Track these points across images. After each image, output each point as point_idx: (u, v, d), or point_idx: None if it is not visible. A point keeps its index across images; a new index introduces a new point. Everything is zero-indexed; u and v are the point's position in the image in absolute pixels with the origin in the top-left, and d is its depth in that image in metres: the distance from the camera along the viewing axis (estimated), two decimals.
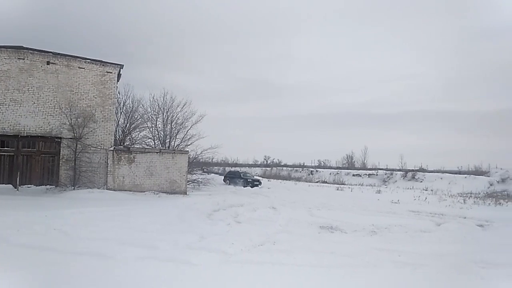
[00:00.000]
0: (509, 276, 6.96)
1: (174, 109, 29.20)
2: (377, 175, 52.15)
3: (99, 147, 19.93)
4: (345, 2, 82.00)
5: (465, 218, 15.33)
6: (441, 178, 44.45)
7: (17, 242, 7.64)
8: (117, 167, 19.69)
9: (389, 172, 52.79)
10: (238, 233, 10.05)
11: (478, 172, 48.91)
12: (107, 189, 18.95)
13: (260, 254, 7.75)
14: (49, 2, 59.21)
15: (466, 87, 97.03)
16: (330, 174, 56.38)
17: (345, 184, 43.90)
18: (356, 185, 42.77)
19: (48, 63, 19.58)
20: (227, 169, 55.75)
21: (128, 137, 28.42)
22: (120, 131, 27.45)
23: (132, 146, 24.33)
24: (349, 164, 71.61)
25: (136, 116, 28.73)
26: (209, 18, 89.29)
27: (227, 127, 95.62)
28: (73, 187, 18.55)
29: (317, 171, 60.82)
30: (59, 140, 19.51)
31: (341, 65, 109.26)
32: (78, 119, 19.25)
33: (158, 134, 29.13)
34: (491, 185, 37.94)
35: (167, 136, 28.95)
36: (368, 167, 66.32)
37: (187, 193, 20.66)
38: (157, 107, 29.36)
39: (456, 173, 47.04)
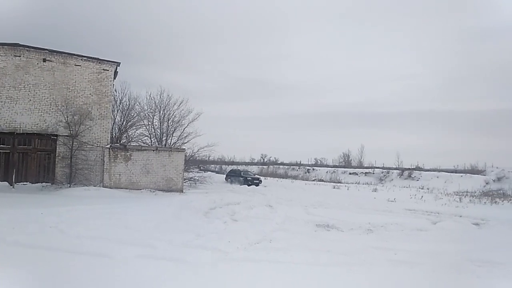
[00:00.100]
0: (505, 274, 6.98)
1: (170, 107, 29.23)
2: (373, 173, 52.30)
3: (96, 144, 19.86)
4: (344, 2, 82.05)
5: (461, 216, 15.41)
6: (437, 177, 44.63)
7: (12, 240, 7.59)
8: (113, 164, 19.63)
9: (385, 170, 52.96)
10: (235, 231, 10.04)
11: (474, 171, 49.14)
12: (103, 187, 18.90)
13: (257, 252, 7.75)
14: (47, 0, 58.94)
15: (463, 87, 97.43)
16: (327, 172, 56.50)
17: (342, 183, 44.01)
18: (353, 183, 42.91)
19: (44, 60, 19.47)
20: (224, 167, 55.71)
21: (125, 135, 28.38)
22: (116, 128, 27.41)
23: (129, 144, 24.28)
24: (346, 163, 71.71)
25: (132, 114, 28.73)
26: (207, 17, 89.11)
27: (224, 125, 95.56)
28: (69, 185, 18.49)
29: (313, 169, 60.95)
30: (55, 137, 19.43)
31: (339, 64, 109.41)
32: (75, 117, 19.17)
33: (154, 132, 29.12)
34: (487, 183, 38.14)
35: (164, 134, 28.94)
36: (365, 165, 66.46)
37: (184, 191, 20.64)
38: (153, 105, 29.37)
39: (452, 172, 47.26)
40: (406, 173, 49.04)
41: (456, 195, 27.67)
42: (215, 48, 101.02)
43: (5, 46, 18.97)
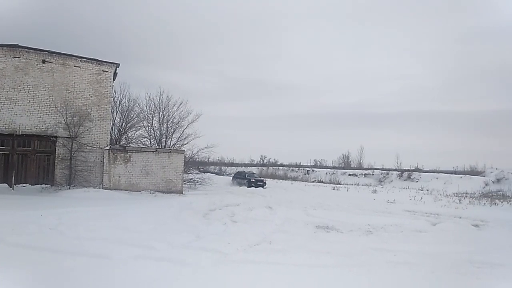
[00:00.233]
0: (505, 276, 6.98)
1: (170, 108, 29.16)
2: (373, 174, 52.32)
3: (95, 146, 19.86)
4: (343, 2, 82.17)
5: (460, 218, 15.38)
6: (437, 178, 44.65)
7: (12, 241, 7.59)
8: (113, 166, 19.62)
9: (385, 172, 53.00)
10: (234, 232, 10.04)
11: (473, 172, 49.22)
12: (103, 188, 18.89)
13: (256, 254, 7.74)
14: (46, 1, 58.96)
15: (463, 87, 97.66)
16: (326, 173, 56.49)
17: (341, 184, 43.99)
18: (352, 184, 42.87)
19: (43, 61, 19.48)
20: (224, 168, 55.70)
21: (124, 136, 28.34)
22: (116, 130, 27.36)
23: (128, 145, 24.24)
24: (345, 164, 71.83)
25: (132, 115, 28.67)
26: (207, 18, 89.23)
27: (223, 126, 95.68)
28: (68, 186, 18.48)
29: (313, 170, 60.98)
30: (55, 139, 19.42)
31: (338, 64, 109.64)
32: (74, 118, 19.17)
33: (154, 133, 29.07)
34: (486, 185, 38.13)
35: (163, 135, 28.89)
36: (364, 167, 66.61)
37: (183, 192, 20.63)
38: (153, 106, 29.29)
39: (451, 173, 47.31)
40: (405, 174, 49.07)
41: (456, 196, 27.65)
42: (215, 48, 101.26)
43: (4, 47, 18.97)
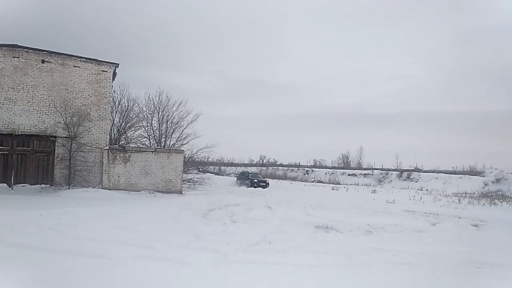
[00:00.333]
0: (504, 276, 6.99)
1: (169, 108, 29.15)
2: (372, 175, 52.31)
3: (94, 146, 19.86)
4: (343, 2, 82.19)
5: (460, 218, 15.40)
6: (436, 178, 44.65)
7: (11, 241, 7.59)
8: (112, 166, 19.61)
9: (384, 172, 52.99)
10: (234, 232, 10.05)
11: (473, 172, 49.22)
12: (102, 188, 18.87)
13: (256, 254, 7.74)
14: (46, 1, 58.92)
15: (463, 88, 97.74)
16: (326, 173, 56.47)
17: (341, 184, 43.99)
18: (352, 184, 42.87)
19: (43, 61, 19.47)
20: (223, 168, 55.67)
21: (124, 136, 28.32)
22: (115, 130, 27.33)
23: (127, 145, 24.22)
24: (345, 164, 71.84)
25: (131, 115, 28.64)
26: (207, 18, 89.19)
27: (223, 126, 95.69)
28: (68, 186, 18.47)
29: (312, 170, 60.95)
30: (54, 139, 19.41)
31: (338, 65, 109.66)
32: (73, 118, 19.16)
33: (153, 133, 29.06)
34: (485, 185, 38.13)
35: (163, 135, 28.86)
36: (364, 167, 66.63)
37: (183, 192, 20.62)
38: (152, 106, 29.28)
39: (451, 173, 47.30)
40: (405, 174, 49.06)
41: (455, 196, 27.66)
42: (215, 48, 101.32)
43: (4, 47, 18.96)
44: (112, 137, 25.41)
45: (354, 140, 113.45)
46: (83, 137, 19.48)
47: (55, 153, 19.40)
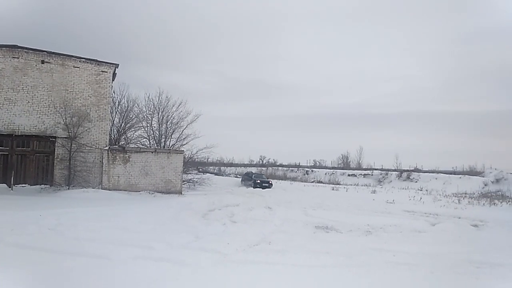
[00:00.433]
0: (504, 276, 6.99)
1: (169, 109, 29.14)
2: (372, 175, 52.30)
3: (94, 146, 19.85)
4: (343, 2, 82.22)
5: (459, 218, 15.40)
6: (436, 178, 44.65)
7: (11, 241, 7.59)
8: (112, 166, 19.60)
9: (384, 172, 52.98)
10: (234, 233, 10.05)
11: (472, 172, 49.22)
12: (102, 189, 18.85)
13: (256, 254, 7.75)
14: (46, 1, 58.92)
15: (463, 88, 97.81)
16: (326, 174, 56.47)
17: (341, 184, 43.98)
18: (351, 185, 42.87)
19: (42, 62, 19.47)
20: (223, 169, 55.66)
21: (123, 137, 28.32)
22: (115, 130, 27.32)
23: (127, 145, 24.22)
24: (345, 164, 71.81)
25: (131, 116, 28.64)
26: (207, 18, 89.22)
27: (223, 126, 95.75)
28: (67, 187, 18.46)
29: (312, 171, 60.96)
30: (54, 139, 19.40)
31: (338, 65, 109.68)
32: (73, 119, 19.16)
33: (153, 134, 29.05)
34: (485, 185, 38.13)
35: (162, 136, 28.85)
36: (363, 167, 66.61)
37: (183, 192, 20.61)
38: (152, 106, 29.27)
39: (450, 174, 47.29)
40: (404, 174, 49.05)
41: (455, 196, 27.68)
42: (215, 48, 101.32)
43: (3, 48, 18.96)
44: (112, 138, 25.41)
45: (354, 140, 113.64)
46: (83, 137, 19.48)
47: (55, 154, 19.39)
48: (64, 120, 19.01)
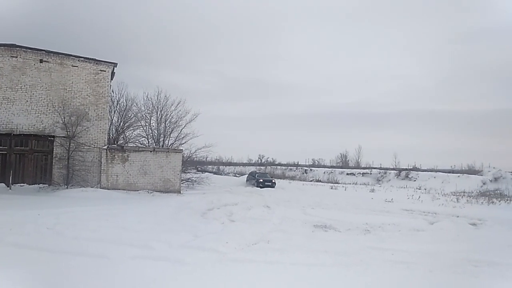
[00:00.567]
0: (503, 274, 7.00)
1: (168, 108, 29.17)
2: (371, 174, 52.33)
3: (93, 145, 19.83)
4: (342, 2, 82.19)
5: (458, 217, 15.41)
6: (435, 177, 44.70)
7: (9, 241, 7.58)
8: (110, 165, 19.59)
9: (382, 171, 52.99)
10: (232, 232, 10.04)
11: (471, 171, 49.31)
12: (100, 188, 18.85)
13: (254, 253, 7.75)
14: (46, 1, 58.80)
15: (461, 87, 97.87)
16: (324, 173, 56.50)
17: (339, 183, 43.98)
18: (350, 184, 42.89)
19: (41, 61, 19.44)
20: (222, 168, 55.66)
21: (122, 136, 28.29)
22: (113, 129, 27.30)
23: (126, 144, 24.21)
24: (343, 163, 71.78)
25: (130, 115, 28.60)
26: (206, 17, 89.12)
27: (221, 125, 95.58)
28: (66, 186, 18.44)
29: (311, 170, 60.95)
30: (52, 138, 19.38)
31: (337, 64, 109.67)
32: (72, 118, 19.12)
33: (152, 133, 29.06)
34: (484, 184, 38.18)
35: (161, 135, 28.87)
36: (362, 166, 66.55)
37: (181, 192, 20.63)
38: (151, 105, 29.28)
39: (449, 172, 47.35)
40: (403, 173, 49.09)
41: (453, 195, 27.70)
42: (214, 48, 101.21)
43: (2, 47, 18.92)
44: (111, 137, 25.39)
45: (353, 140, 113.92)
46: (81, 136, 19.45)
47: (54, 153, 19.37)
48: (63, 119, 18.98)
